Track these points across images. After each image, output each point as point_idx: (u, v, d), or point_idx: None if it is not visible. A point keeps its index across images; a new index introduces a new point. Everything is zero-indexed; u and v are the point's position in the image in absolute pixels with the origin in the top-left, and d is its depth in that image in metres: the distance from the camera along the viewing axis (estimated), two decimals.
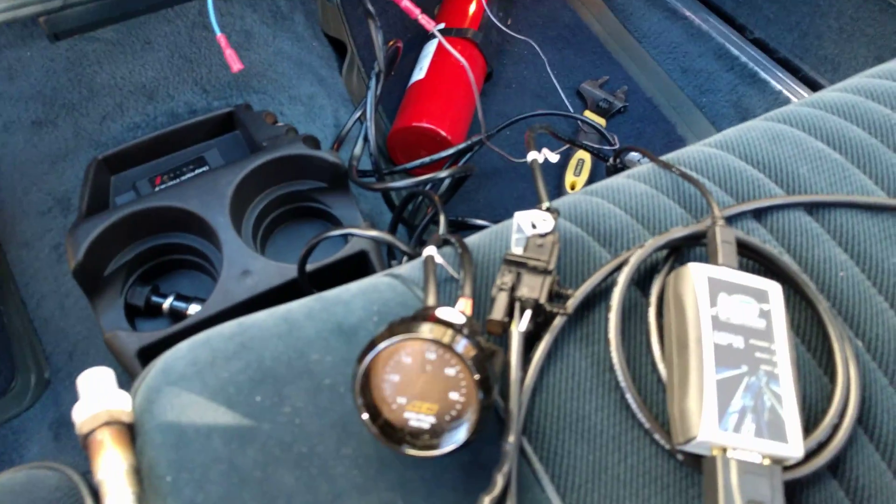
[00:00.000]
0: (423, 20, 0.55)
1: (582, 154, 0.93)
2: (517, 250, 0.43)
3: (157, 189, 0.65)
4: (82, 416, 0.37)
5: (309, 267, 0.57)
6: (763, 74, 0.99)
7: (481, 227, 0.72)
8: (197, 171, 0.66)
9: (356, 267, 0.60)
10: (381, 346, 0.33)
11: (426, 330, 0.33)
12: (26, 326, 0.77)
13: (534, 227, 0.43)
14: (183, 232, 0.61)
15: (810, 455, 0.39)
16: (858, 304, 0.46)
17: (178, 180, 0.66)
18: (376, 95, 0.64)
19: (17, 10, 0.60)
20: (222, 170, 0.61)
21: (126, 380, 0.61)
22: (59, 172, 0.73)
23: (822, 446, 0.40)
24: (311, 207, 0.66)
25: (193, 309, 0.60)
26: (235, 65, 0.51)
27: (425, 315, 0.35)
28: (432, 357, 0.33)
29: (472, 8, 1.00)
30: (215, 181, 0.59)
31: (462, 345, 0.33)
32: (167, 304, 0.60)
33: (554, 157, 0.52)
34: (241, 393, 0.38)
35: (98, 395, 0.37)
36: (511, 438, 0.36)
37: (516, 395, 0.37)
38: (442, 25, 0.98)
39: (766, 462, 0.36)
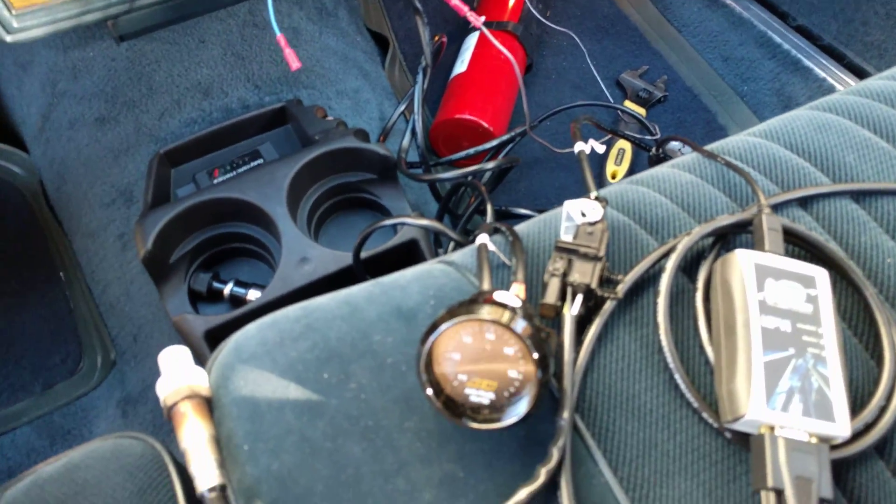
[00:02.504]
0: (472, 17, 0.57)
1: (622, 144, 0.94)
2: (567, 238, 0.45)
3: (215, 181, 0.68)
4: (166, 390, 0.39)
5: (362, 255, 0.60)
6: (806, 62, 0.98)
7: (525, 217, 0.74)
8: (252, 164, 0.69)
9: (407, 255, 0.62)
10: (444, 326, 0.35)
11: (485, 312, 0.35)
12: (92, 311, 0.82)
13: (583, 215, 0.45)
14: (242, 222, 0.64)
15: (857, 436, 0.40)
16: None
17: (234, 173, 0.69)
18: (423, 89, 0.66)
19: (84, 16, 0.64)
20: (278, 163, 0.64)
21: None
22: (122, 166, 0.77)
23: (868, 427, 0.41)
24: (362, 198, 0.68)
25: (252, 294, 0.63)
26: (294, 63, 0.54)
27: (483, 298, 0.37)
28: (491, 337, 0.36)
29: (512, 1, 1.01)
30: (272, 173, 0.62)
31: (520, 325, 0.35)
32: (227, 289, 0.64)
33: (601, 148, 0.54)
34: (310, 370, 0.41)
35: (179, 371, 0.40)
36: (565, 415, 0.38)
37: (570, 375, 0.39)
38: (482, 19, 1.00)
39: (814, 441, 0.38)
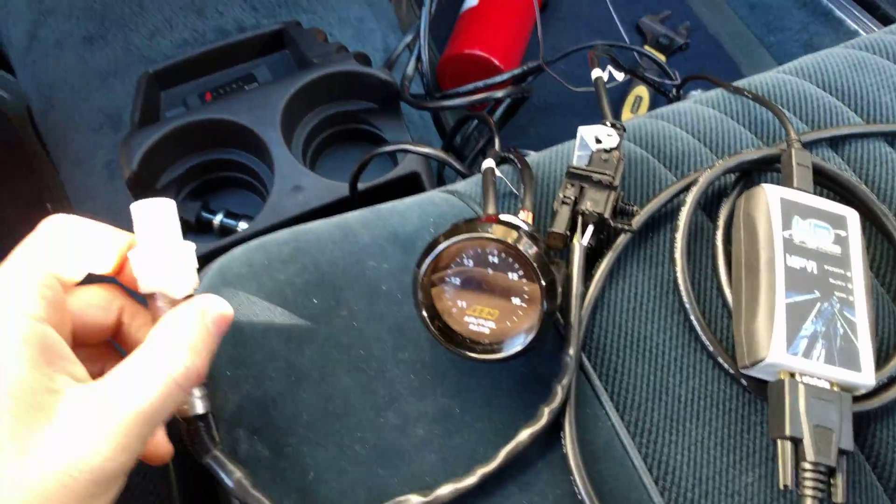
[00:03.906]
0: None
1: (640, 91, 0.90)
2: (580, 164, 0.42)
3: (207, 104, 0.64)
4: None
5: (359, 186, 0.56)
6: (838, 12, 0.93)
7: None
8: (246, 88, 0.65)
9: (407, 189, 0.59)
10: (444, 245, 0.32)
11: (491, 231, 0.32)
12: None
13: (598, 141, 0.42)
14: (234, 147, 0.60)
15: (881, 389, 0.38)
16: None
17: (228, 96, 0.65)
18: (430, 12, 0.61)
19: None
20: (273, 85, 0.60)
21: None
22: (110, 88, 0.73)
23: (893, 381, 0.38)
24: (361, 129, 0.64)
25: (243, 226, 0.60)
26: None
27: (490, 219, 0.34)
28: (495, 259, 0.32)
29: None
30: (267, 96, 0.58)
31: (528, 247, 0.32)
32: (217, 220, 0.60)
33: (620, 76, 0.50)
34: (298, 295, 0.38)
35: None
36: (571, 351, 0.35)
37: (577, 309, 0.36)
38: None
39: (836, 389, 0.35)
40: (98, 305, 0.30)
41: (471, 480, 0.31)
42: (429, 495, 0.31)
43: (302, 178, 0.56)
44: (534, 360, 0.37)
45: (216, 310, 0.28)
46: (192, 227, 0.61)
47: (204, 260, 0.42)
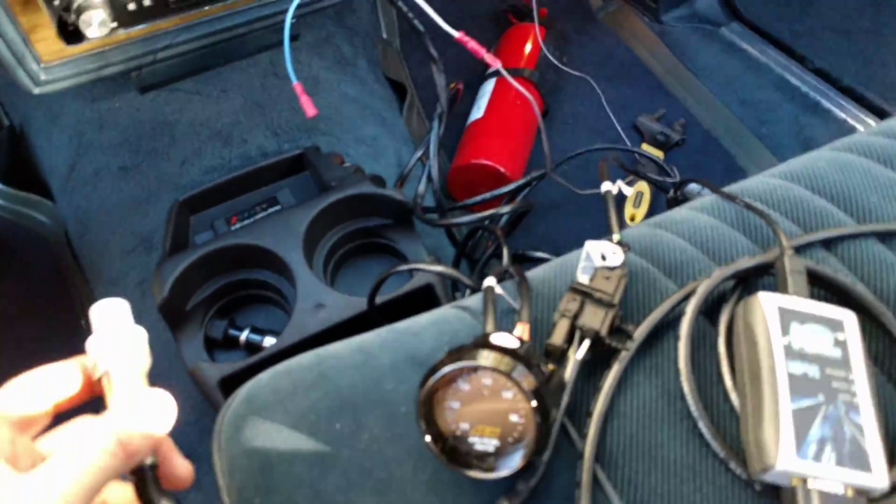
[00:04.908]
0: (489, 58, 0.58)
1: (641, 187, 0.94)
2: (583, 279, 0.44)
3: (233, 228, 0.69)
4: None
5: (378, 300, 0.59)
6: (826, 104, 0.98)
7: (542, 260, 0.73)
8: (270, 211, 0.70)
9: (422, 299, 0.62)
10: (440, 373, 0.34)
11: (482, 357, 0.34)
12: None
13: (603, 258, 0.44)
14: (258, 268, 0.64)
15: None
16: None
17: (252, 219, 0.69)
18: (438, 136, 0.66)
19: (106, 68, 0.66)
20: (295, 209, 0.64)
21: (206, 407, 0.64)
22: (143, 214, 0.78)
23: None
24: (378, 243, 0.68)
25: (268, 341, 0.63)
26: (310, 110, 0.55)
27: (482, 342, 0.36)
28: (488, 382, 0.35)
29: (528, 48, 1.03)
30: (288, 220, 0.63)
31: (518, 372, 0.34)
32: (243, 336, 0.63)
33: (627, 190, 0.53)
34: (322, 420, 0.40)
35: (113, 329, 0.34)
36: (545, 456, 0.37)
37: (558, 419, 0.38)
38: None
39: (850, 493, 0.36)
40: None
41: None
42: None
43: (323, 296, 0.59)
44: (549, 472, 0.38)
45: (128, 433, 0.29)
46: (220, 344, 0.64)
47: (231, 381, 0.44)
